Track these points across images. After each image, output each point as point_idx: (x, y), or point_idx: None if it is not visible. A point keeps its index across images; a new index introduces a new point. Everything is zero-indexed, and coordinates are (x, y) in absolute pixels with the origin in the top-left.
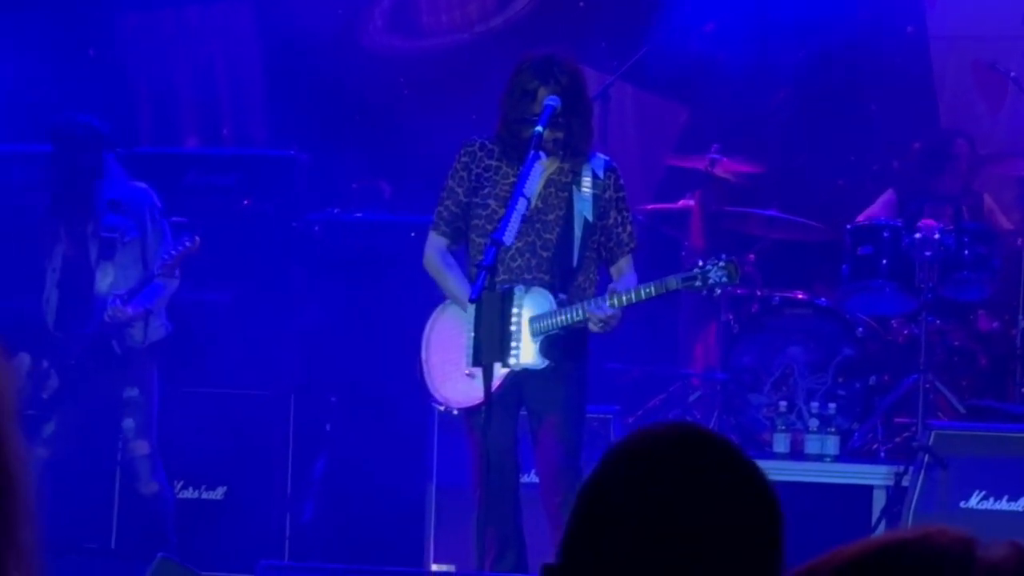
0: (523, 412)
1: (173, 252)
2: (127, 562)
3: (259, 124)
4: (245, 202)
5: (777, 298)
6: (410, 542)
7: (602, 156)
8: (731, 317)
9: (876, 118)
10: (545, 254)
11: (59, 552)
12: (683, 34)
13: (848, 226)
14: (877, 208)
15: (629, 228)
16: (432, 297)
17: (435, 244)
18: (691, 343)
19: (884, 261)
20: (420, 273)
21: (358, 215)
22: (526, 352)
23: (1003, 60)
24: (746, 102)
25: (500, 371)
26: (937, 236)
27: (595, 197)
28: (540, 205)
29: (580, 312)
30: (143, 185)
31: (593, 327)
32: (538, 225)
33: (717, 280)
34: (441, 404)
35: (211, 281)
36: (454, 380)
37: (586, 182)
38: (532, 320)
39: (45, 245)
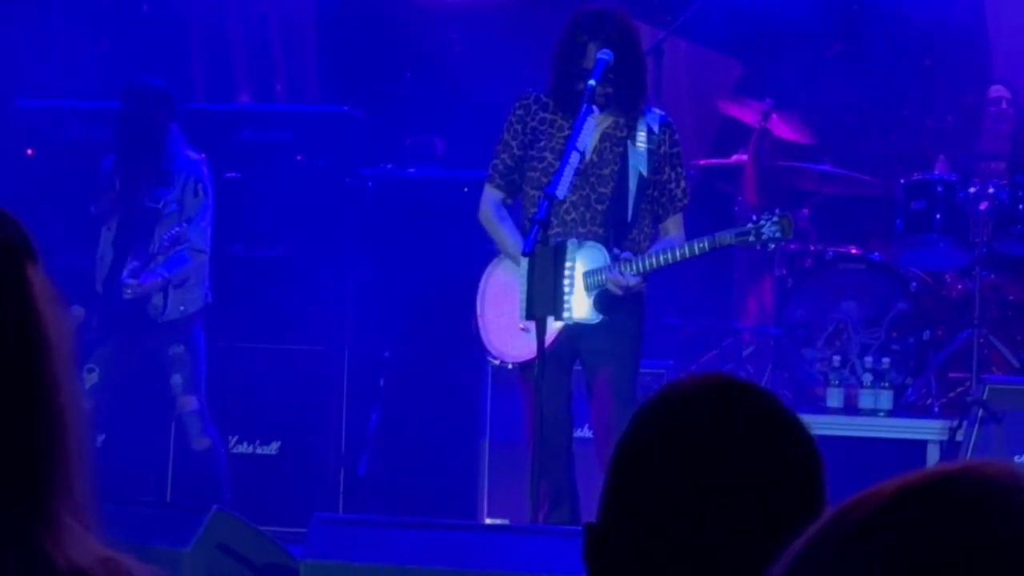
0: (577, 367)
1: (167, 235)
2: (183, 514)
3: (312, 80)
4: (298, 158)
5: (831, 253)
6: (464, 496)
7: (658, 111)
8: (785, 272)
9: (930, 72)
10: (599, 207)
11: (114, 503)
12: None
13: (902, 180)
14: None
15: (683, 184)
16: (486, 252)
17: (490, 198)
18: (744, 298)
19: (938, 215)
20: (473, 228)
21: (411, 170)
22: (580, 306)
23: None
24: (799, 56)
25: (555, 325)
26: (991, 190)
27: (650, 152)
28: (595, 159)
29: (634, 266)
30: (196, 156)
31: (613, 289)
32: (592, 179)
33: (771, 235)
34: (496, 358)
35: (265, 237)
36: (508, 334)
37: (641, 137)
38: (586, 274)
39: (106, 204)
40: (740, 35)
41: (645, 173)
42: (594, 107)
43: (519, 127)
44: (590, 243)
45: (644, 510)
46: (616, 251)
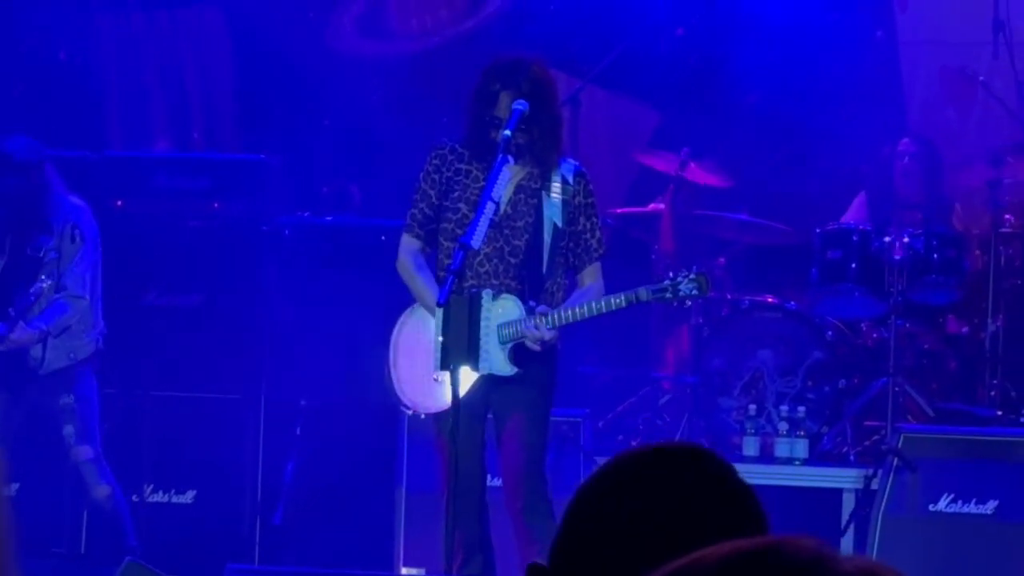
0: (489, 416)
1: (32, 289)
2: (96, 566)
3: (229, 128)
4: (215, 205)
5: (747, 302)
6: (380, 546)
7: (572, 162)
8: (701, 321)
9: (846, 123)
10: (513, 260)
11: (28, 555)
12: (654, 38)
13: (817, 230)
14: (852, 213)
15: (598, 234)
16: (403, 300)
17: (408, 246)
18: (662, 347)
19: (853, 265)
20: (390, 276)
21: (328, 218)
22: (495, 359)
23: (972, 65)
24: (716, 106)
25: (469, 376)
26: (906, 240)
27: (564, 203)
28: (509, 211)
29: (549, 319)
30: (78, 202)
31: (529, 344)
32: (507, 231)
33: (687, 292)
34: (409, 408)
35: (181, 285)
36: (422, 384)
37: (556, 188)
38: (500, 327)
39: None
40: (657, 85)
41: (560, 224)
42: (509, 157)
43: (436, 176)
44: (505, 295)
45: (601, 563)
46: (532, 304)
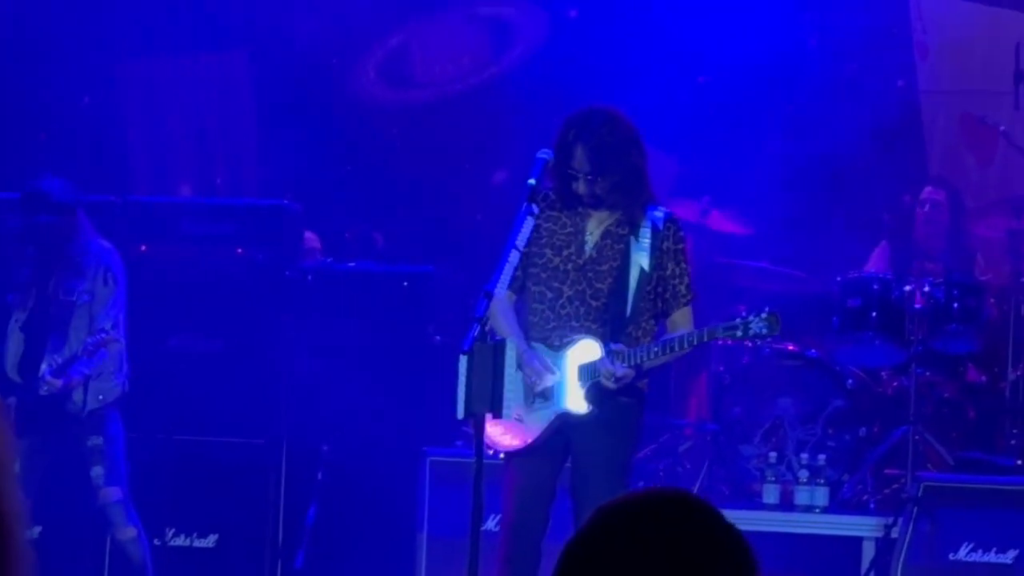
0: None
1: (92, 340)
2: None
3: (252, 174)
4: (238, 251)
5: (767, 349)
6: None
7: (663, 209)
8: (722, 368)
9: (866, 171)
10: (595, 303)
11: None
12: (676, 86)
13: (838, 278)
14: (873, 262)
15: (687, 280)
16: (423, 346)
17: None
18: (683, 394)
19: (874, 313)
20: (413, 322)
21: (350, 264)
22: (572, 397)
23: (993, 114)
24: (737, 154)
25: (543, 417)
26: (927, 289)
27: (653, 248)
28: (594, 255)
29: (625, 358)
30: (107, 245)
31: (604, 382)
32: (591, 274)
33: (758, 331)
34: (489, 448)
35: (203, 330)
36: (502, 424)
37: (644, 233)
38: (581, 368)
39: (18, 294)
40: (679, 132)
41: (647, 268)
42: (534, 206)
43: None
44: (588, 337)
45: None
46: (611, 345)
